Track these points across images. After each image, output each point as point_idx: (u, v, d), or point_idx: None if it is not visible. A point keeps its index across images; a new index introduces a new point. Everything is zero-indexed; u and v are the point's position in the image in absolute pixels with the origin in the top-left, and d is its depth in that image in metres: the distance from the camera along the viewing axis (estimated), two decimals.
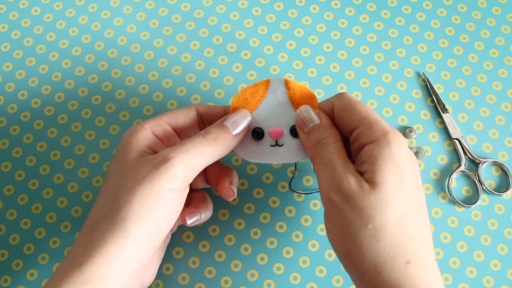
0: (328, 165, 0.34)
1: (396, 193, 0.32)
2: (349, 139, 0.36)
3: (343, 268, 0.43)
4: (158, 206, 0.34)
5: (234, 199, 0.44)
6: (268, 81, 0.39)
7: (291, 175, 0.45)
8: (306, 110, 0.37)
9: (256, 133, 0.38)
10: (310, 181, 0.45)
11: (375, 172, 0.32)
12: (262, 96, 0.39)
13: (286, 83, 0.39)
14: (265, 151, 0.39)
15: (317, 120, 0.36)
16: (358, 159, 0.34)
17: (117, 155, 0.36)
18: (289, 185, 0.45)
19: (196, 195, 0.41)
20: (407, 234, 0.32)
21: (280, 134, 0.38)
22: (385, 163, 0.32)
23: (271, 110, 0.39)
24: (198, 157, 0.35)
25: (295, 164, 0.44)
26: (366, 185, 0.32)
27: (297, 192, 0.44)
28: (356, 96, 0.47)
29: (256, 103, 0.39)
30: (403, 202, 0.32)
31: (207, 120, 0.40)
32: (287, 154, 0.38)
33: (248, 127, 0.38)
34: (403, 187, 0.32)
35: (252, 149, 0.39)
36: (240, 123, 0.37)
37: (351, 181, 0.32)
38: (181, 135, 0.40)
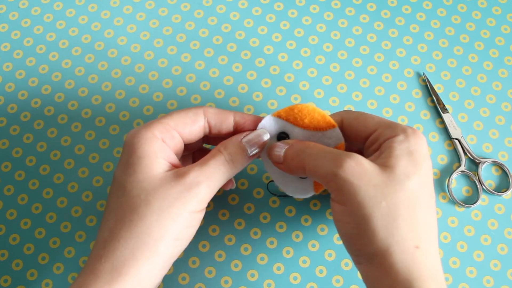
0: (325, 156, 0.34)
1: (407, 176, 0.33)
2: (358, 148, 0.37)
3: (343, 268, 0.43)
4: (186, 227, 0.35)
5: (234, 199, 0.44)
6: (333, 126, 0.37)
7: None
8: (272, 146, 0.37)
9: (281, 137, 0.38)
10: None
11: (389, 159, 0.33)
12: (316, 129, 0.37)
13: (340, 146, 0.37)
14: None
15: (285, 146, 0.37)
16: (375, 155, 0.35)
17: (133, 165, 0.35)
18: (267, 187, 0.45)
19: None
20: (418, 218, 0.33)
21: None
22: (401, 153, 0.33)
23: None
24: (221, 179, 0.36)
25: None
26: (378, 166, 0.33)
27: (275, 195, 0.44)
28: (356, 96, 0.47)
29: (308, 127, 0.38)
30: (414, 186, 0.33)
31: (214, 129, 0.38)
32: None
33: (263, 147, 0.38)
34: (416, 174, 0.33)
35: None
36: (257, 145, 0.37)
37: (362, 160, 0.33)
38: (185, 140, 0.38)
